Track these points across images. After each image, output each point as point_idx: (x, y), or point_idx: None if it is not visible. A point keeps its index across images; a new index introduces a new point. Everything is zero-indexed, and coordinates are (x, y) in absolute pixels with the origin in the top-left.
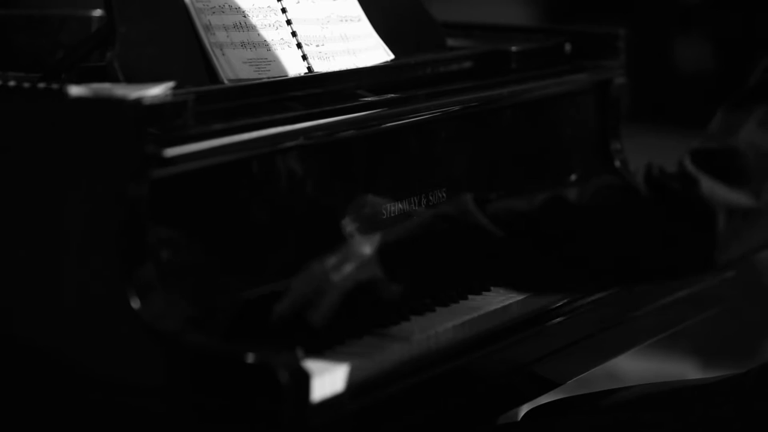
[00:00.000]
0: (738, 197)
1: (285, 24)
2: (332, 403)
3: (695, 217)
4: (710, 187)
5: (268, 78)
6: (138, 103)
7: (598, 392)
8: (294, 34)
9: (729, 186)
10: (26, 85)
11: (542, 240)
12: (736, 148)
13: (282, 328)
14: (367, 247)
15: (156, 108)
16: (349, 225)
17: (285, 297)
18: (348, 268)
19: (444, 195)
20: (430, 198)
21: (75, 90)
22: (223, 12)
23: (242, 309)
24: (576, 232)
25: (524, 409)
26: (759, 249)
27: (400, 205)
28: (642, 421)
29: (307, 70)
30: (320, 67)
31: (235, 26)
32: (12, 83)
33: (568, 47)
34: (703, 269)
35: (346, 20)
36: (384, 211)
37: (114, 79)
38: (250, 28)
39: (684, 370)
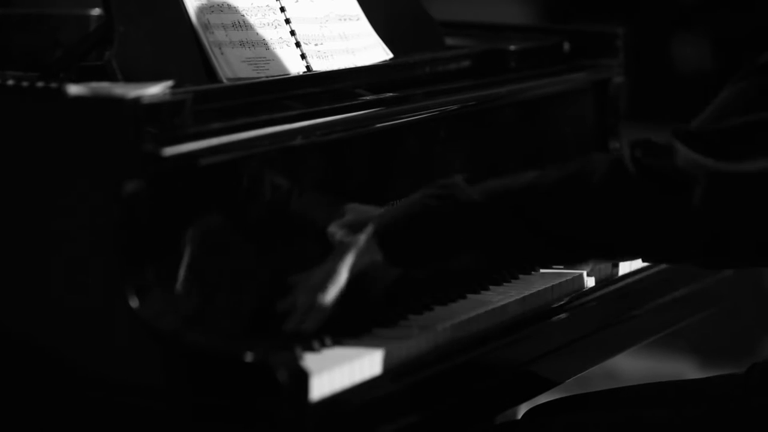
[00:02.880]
0: (714, 163)
1: (284, 23)
2: (331, 402)
3: (675, 190)
4: (686, 155)
5: (267, 77)
6: (136, 102)
7: (597, 391)
8: (293, 32)
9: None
10: (24, 84)
11: (529, 214)
12: (720, 128)
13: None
14: (362, 235)
15: (154, 107)
16: (336, 233)
17: (292, 314)
18: (348, 258)
19: None
20: None
21: (73, 89)
22: (221, 11)
23: (242, 309)
24: (562, 205)
25: (523, 408)
26: None
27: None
28: (640, 420)
29: (305, 69)
30: (319, 66)
31: (233, 25)
32: (10, 82)
33: (566, 46)
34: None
35: (345, 19)
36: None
37: (112, 78)
38: (249, 26)
39: (683, 369)
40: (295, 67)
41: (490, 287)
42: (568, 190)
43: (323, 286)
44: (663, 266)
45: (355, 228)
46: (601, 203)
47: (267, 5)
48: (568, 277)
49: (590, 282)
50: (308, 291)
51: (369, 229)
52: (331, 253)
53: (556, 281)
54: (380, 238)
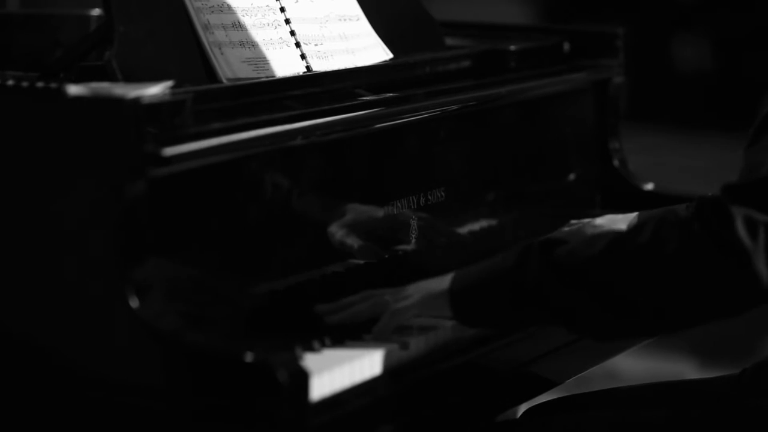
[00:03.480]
0: None
1: (283, 23)
2: (331, 402)
3: (735, 253)
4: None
5: (267, 77)
6: (136, 102)
7: (595, 391)
8: (293, 33)
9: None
10: (25, 84)
11: (601, 290)
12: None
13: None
14: (438, 285)
15: (154, 107)
16: (337, 233)
17: (340, 308)
18: (414, 300)
19: (442, 194)
20: (429, 197)
21: (73, 89)
22: (221, 11)
23: (242, 309)
24: (634, 279)
25: (522, 408)
26: None
27: (399, 204)
28: (639, 419)
29: (305, 69)
30: (319, 66)
31: (233, 25)
32: (10, 82)
33: (566, 46)
34: (752, 301)
35: (345, 19)
36: (382, 211)
37: (112, 78)
38: (249, 27)
39: (682, 369)
40: (295, 67)
41: None
42: (640, 259)
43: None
44: None
45: (356, 228)
46: (674, 276)
47: (267, 5)
48: None
49: None
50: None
51: (444, 283)
52: (394, 290)
53: None
54: (453, 298)
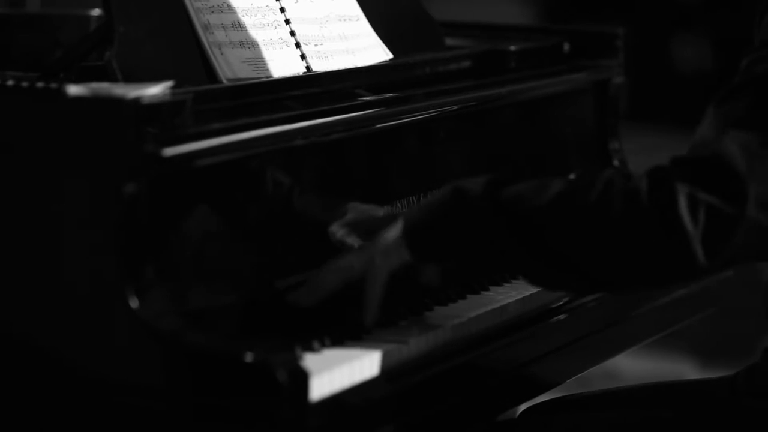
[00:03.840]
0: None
1: (283, 23)
2: (331, 402)
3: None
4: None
5: (267, 77)
6: (136, 102)
7: (592, 391)
8: (292, 33)
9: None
10: (24, 84)
11: (539, 240)
12: (720, 155)
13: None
14: (390, 233)
15: (154, 107)
16: (338, 232)
17: (308, 289)
18: (376, 258)
19: None
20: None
21: (73, 89)
22: (221, 11)
23: (242, 309)
24: (574, 235)
25: (521, 408)
26: (744, 260)
27: (399, 205)
28: (638, 420)
29: (305, 70)
30: (319, 66)
31: (233, 25)
32: (10, 82)
33: (566, 47)
34: (685, 278)
35: (345, 19)
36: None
37: (112, 79)
38: (249, 27)
39: (682, 369)
40: (295, 67)
41: (491, 287)
42: (584, 221)
43: (352, 278)
44: None
45: (356, 227)
46: (613, 241)
47: (267, 6)
48: None
49: None
50: (333, 275)
51: (396, 230)
52: (353, 252)
53: None
54: (408, 239)
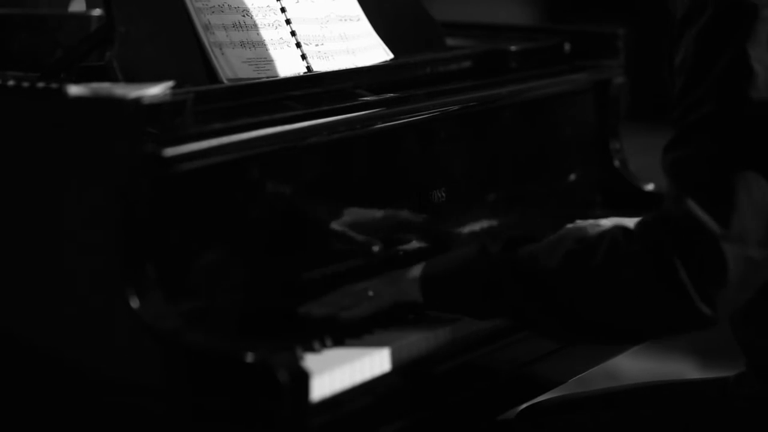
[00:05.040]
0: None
1: (284, 23)
2: (332, 402)
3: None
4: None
5: (268, 77)
6: (137, 102)
7: (590, 391)
8: (293, 33)
9: None
10: (25, 84)
11: (552, 301)
12: (689, 216)
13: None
14: (411, 273)
15: (155, 107)
16: (338, 232)
17: (320, 305)
18: (388, 289)
19: (443, 195)
20: (430, 198)
21: (74, 89)
22: (222, 11)
23: (242, 309)
24: (583, 299)
25: (521, 407)
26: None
27: (399, 205)
28: (637, 420)
29: (306, 70)
30: (319, 66)
31: (234, 26)
32: (11, 83)
33: (567, 47)
34: (698, 329)
35: (346, 20)
36: (383, 211)
37: (113, 79)
38: (250, 27)
39: (683, 369)
40: (295, 67)
41: None
42: (591, 283)
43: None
44: None
45: (357, 228)
46: (620, 299)
47: (267, 6)
48: None
49: None
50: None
51: (416, 272)
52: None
53: None
54: (424, 285)
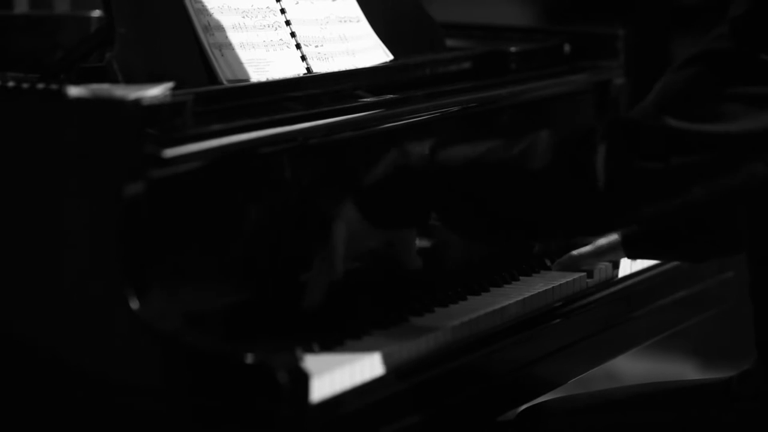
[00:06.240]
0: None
1: (284, 25)
2: (332, 403)
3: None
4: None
5: (267, 79)
6: (137, 103)
7: (590, 392)
8: (293, 34)
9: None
10: (25, 85)
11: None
12: (658, 126)
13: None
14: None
15: (155, 108)
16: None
17: (309, 293)
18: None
19: None
20: None
21: (74, 90)
22: (222, 12)
23: (241, 309)
24: (500, 185)
25: (521, 408)
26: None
27: None
28: (638, 420)
29: (306, 71)
30: (319, 67)
31: (234, 27)
32: (11, 84)
33: (567, 48)
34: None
35: (345, 21)
36: None
37: (113, 80)
38: (249, 28)
39: (683, 370)
40: (295, 68)
41: (490, 288)
42: (512, 173)
43: (330, 262)
44: (664, 267)
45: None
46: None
47: (267, 7)
48: (569, 279)
49: (591, 283)
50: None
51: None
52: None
53: (557, 283)
54: (359, 205)
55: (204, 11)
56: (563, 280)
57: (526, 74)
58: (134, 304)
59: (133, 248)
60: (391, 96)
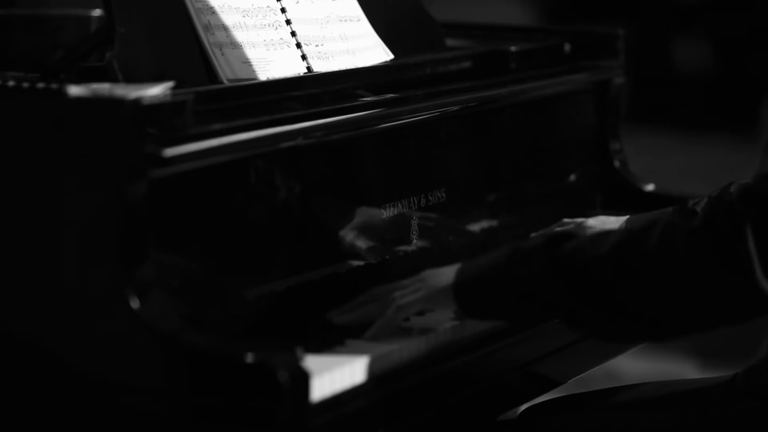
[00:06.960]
0: None
1: (284, 24)
2: (332, 403)
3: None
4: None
5: (268, 78)
6: (137, 103)
7: (591, 391)
8: (293, 33)
9: None
10: (25, 85)
11: (603, 292)
12: None
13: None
14: (442, 278)
15: (155, 108)
16: (347, 235)
17: (350, 310)
18: (419, 294)
19: (443, 195)
20: (430, 198)
21: (74, 90)
22: (222, 12)
23: (242, 309)
24: (639, 284)
25: (521, 408)
26: None
27: (399, 205)
28: (637, 420)
29: (306, 70)
30: (319, 66)
31: (234, 26)
32: (11, 83)
33: (567, 47)
34: (759, 314)
35: (346, 20)
36: (383, 211)
37: (113, 79)
38: (250, 28)
39: (684, 370)
40: (295, 68)
41: None
42: (647, 267)
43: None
44: None
45: (364, 231)
46: (679, 283)
47: (268, 6)
48: None
49: None
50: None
51: (446, 277)
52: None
53: None
54: (458, 293)
55: (204, 10)
56: None
57: (527, 74)
58: (135, 304)
59: (134, 248)
60: (392, 95)
